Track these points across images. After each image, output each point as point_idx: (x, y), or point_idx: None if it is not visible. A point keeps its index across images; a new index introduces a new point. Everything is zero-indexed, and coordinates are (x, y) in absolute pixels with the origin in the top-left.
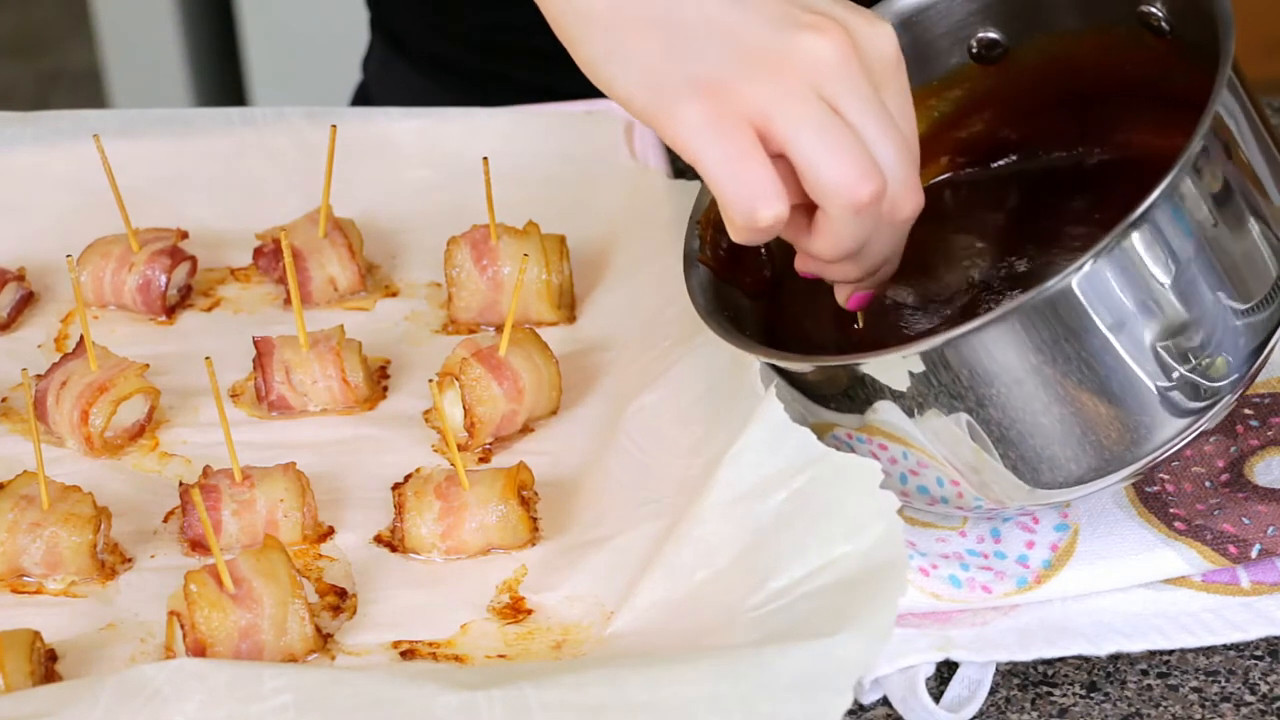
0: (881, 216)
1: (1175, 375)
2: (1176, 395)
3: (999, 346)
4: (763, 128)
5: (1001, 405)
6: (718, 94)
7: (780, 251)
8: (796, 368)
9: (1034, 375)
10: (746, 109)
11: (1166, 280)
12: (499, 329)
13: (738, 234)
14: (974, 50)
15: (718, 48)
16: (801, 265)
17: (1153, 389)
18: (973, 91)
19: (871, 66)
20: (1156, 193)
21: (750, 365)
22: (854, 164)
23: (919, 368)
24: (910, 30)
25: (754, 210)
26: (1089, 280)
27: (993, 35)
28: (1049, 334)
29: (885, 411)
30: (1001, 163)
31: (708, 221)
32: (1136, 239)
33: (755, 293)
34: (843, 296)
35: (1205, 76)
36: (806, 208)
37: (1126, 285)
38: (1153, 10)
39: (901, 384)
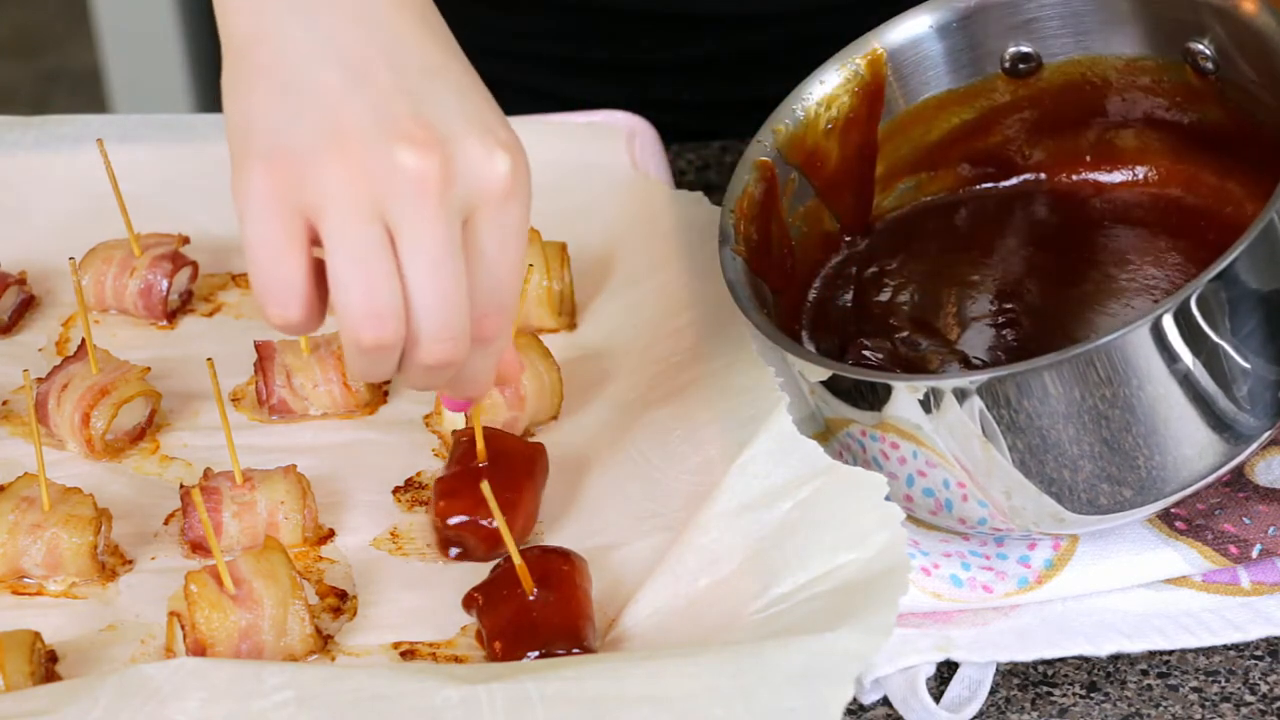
0: (408, 359)
1: (1220, 416)
2: (1221, 435)
3: (1049, 385)
4: (314, 222)
5: (1041, 437)
6: (290, 169)
7: (800, 247)
8: (829, 373)
9: (1076, 413)
10: (306, 197)
11: (1228, 332)
12: None
13: (267, 320)
14: (1005, 63)
15: (314, 120)
16: None
17: (1198, 431)
18: (997, 103)
19: (465, 196)
20: (1234, 252)
21: (767, 369)
22: (366, 302)
23: (960, 396)
24: (948, 37)
25: (266, 305)
26: (1156, 330)
27: (1026, 49)
28: (1103, 375)
29: (902, 406)
30: (1016, 181)
31: (741, 211)
32: (1209, 294)
33: (778, 287)
34: (440, 397)
35: (1241, 118)
36: None
37: (1191, 336)
38: (1201, 48)
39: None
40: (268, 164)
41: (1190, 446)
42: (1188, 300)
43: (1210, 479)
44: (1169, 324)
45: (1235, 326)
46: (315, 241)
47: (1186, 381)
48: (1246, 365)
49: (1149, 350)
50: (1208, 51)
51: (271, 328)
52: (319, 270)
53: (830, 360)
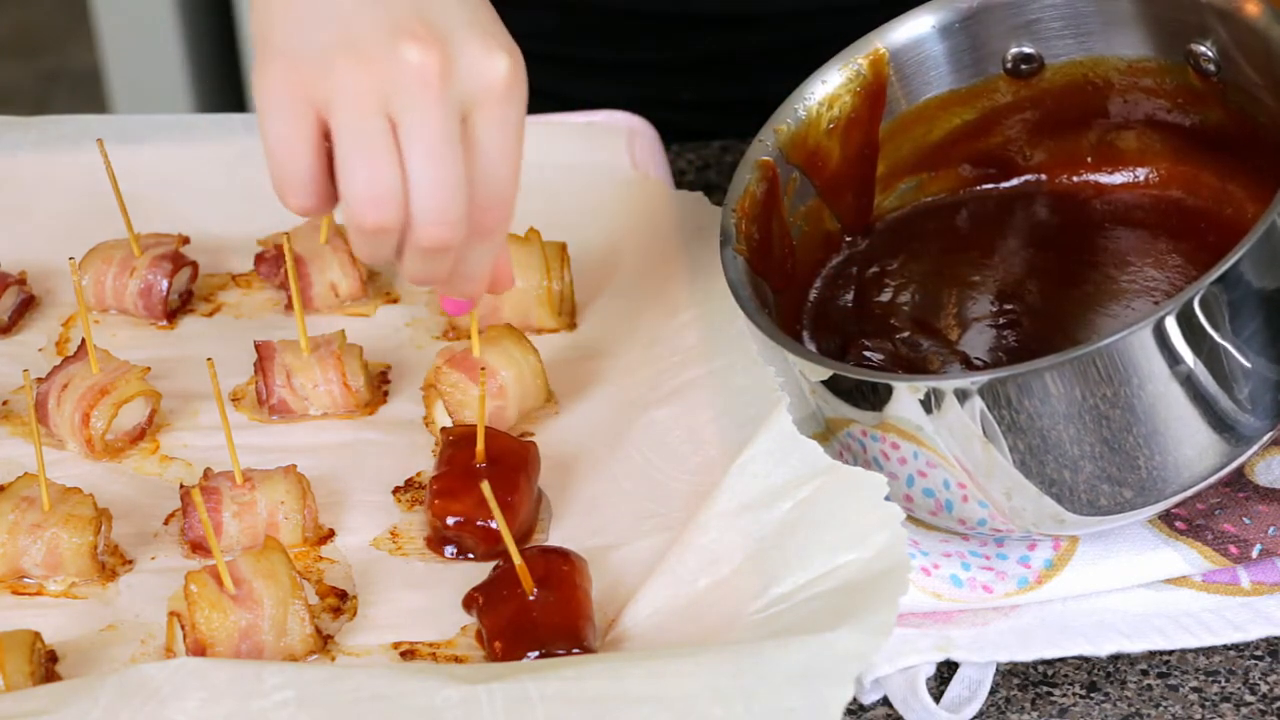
0: (406, 243)
1: (1225, 419)
2: (1222, 436)
3: (1050, 386)
4: (324, 116)
5: (1042, 438)
6: (303, 70)
7: (802, 247)
8: (830, 373)
9: (1077, 414)
10: (318, 95)
11: (1230, 334)
12: None
13: (286, 207)
14: (1008, 64)
15: (328, 28)
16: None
17: (1200, 432)
18: (999, 103)
19: (465, 92)
20: (1237, 254)
21: (767, 369)
22: (369, 187)
23: (961, 397)
24: (950, 37)
25: (283, 195)
26: (1158, 332)
27: (1029, 50)
28: (1104, 376)
29: (903, 407)
30: (1017, 182)
31: (742, 211)
32: (1210, 296)
33: (780, 286)
34: (440, 298)
35: (1243, 120)
36: None
37: (1194, 337)
38: (1204, 50)
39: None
40: (285, 65)
41: (1191, 448)
42: (1190, 302)
43: (1211, 480)
44: (1171, 325)
45: (1237, 328)
46: (328, 137)
47: (1188, 383)
48: (1248, 366)
49: (1151, 351)
50: (1210, 53)
51: (290, 212)
52: (331, 162)
53: (831, 360)
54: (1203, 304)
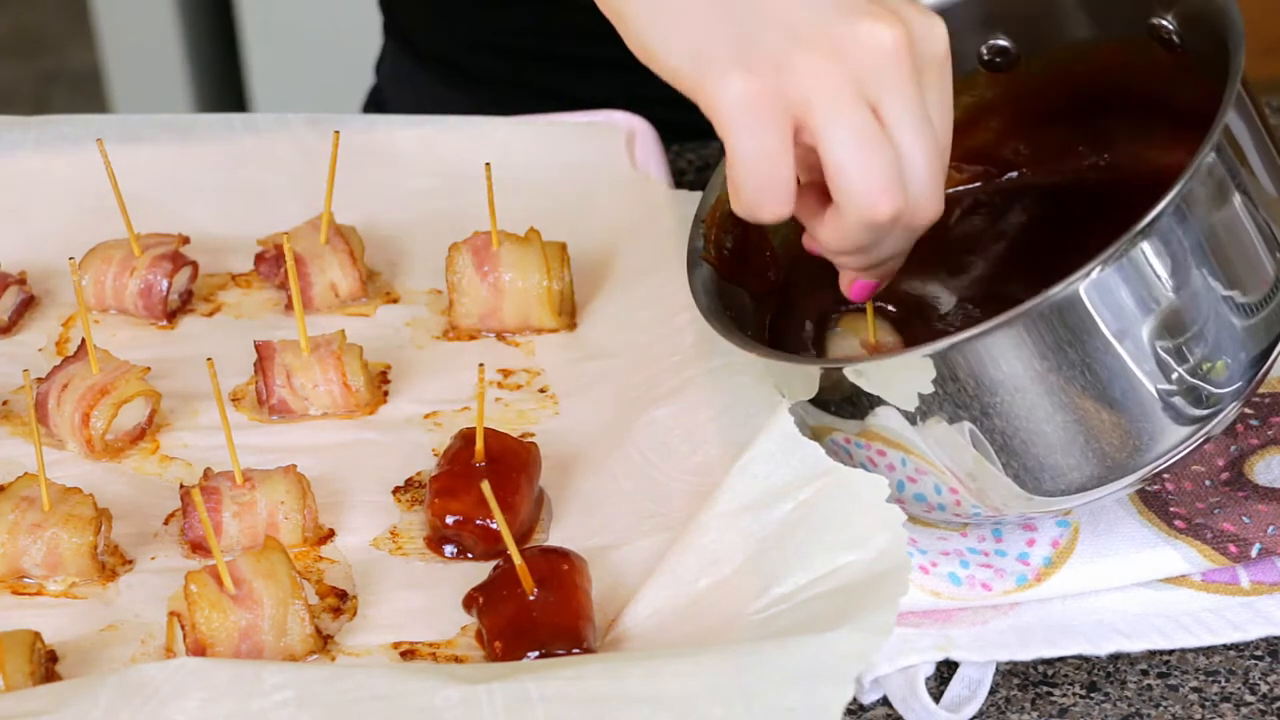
0: (897, 224)
1: (1178, 381)
2: (1179, 402)
3: (1003, 352)
4: (801, 117)
5: (1004, 413)
6: (765, 72)
7: (786, 255)
8: (797, 368)
9: (1038, 382)
10: (790, 94)
11: (1171, 287)
12: (499, 335)
13: (738, 211)
14: (984, 58)
15: (772, 25)
16: (810, 244)
17: (1155, 396)
18: (981, 99)
19: (921, 63)
20: (1164, 202)
21: (767, 377)
22: (879, 177)
23: (922, 374)
24: None
25: (759, 206)
26: (1095, 287)
27: (1003, 43)
28: (1053, 339)
29: (886, 417)
30: (1009, 176)
31: (713, 220)
32: (1144, 247)
33: (760, 293)
34: (845, 284)
35: (1213, 90)
36: (823, 187)
37: (1132, 292)
38: (1163, 23)
39: (903, 391)
40: (743, 72)
41: (1150, 414)
42: (1120, 253)
43: (1184, 451)
44: (1105, 278)
45: (1181, 282)
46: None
47: (1138, 341)
48: (1191, 321)
49: (1084, 310)
50: (1170, 25)
51: (752, 221)
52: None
53: (793, 355)
54: (1133, 257)
